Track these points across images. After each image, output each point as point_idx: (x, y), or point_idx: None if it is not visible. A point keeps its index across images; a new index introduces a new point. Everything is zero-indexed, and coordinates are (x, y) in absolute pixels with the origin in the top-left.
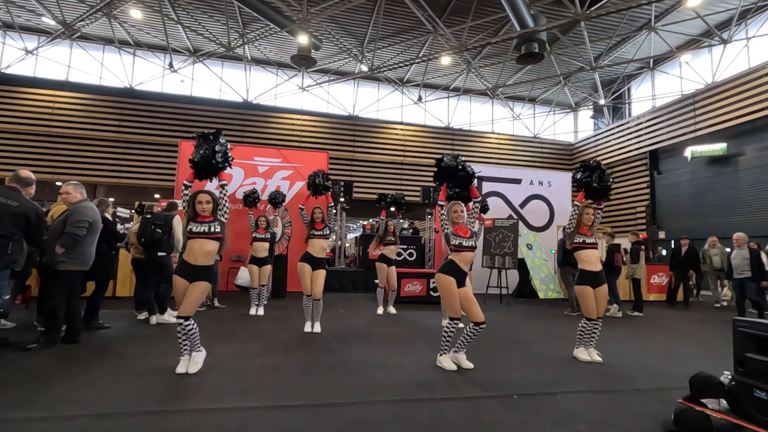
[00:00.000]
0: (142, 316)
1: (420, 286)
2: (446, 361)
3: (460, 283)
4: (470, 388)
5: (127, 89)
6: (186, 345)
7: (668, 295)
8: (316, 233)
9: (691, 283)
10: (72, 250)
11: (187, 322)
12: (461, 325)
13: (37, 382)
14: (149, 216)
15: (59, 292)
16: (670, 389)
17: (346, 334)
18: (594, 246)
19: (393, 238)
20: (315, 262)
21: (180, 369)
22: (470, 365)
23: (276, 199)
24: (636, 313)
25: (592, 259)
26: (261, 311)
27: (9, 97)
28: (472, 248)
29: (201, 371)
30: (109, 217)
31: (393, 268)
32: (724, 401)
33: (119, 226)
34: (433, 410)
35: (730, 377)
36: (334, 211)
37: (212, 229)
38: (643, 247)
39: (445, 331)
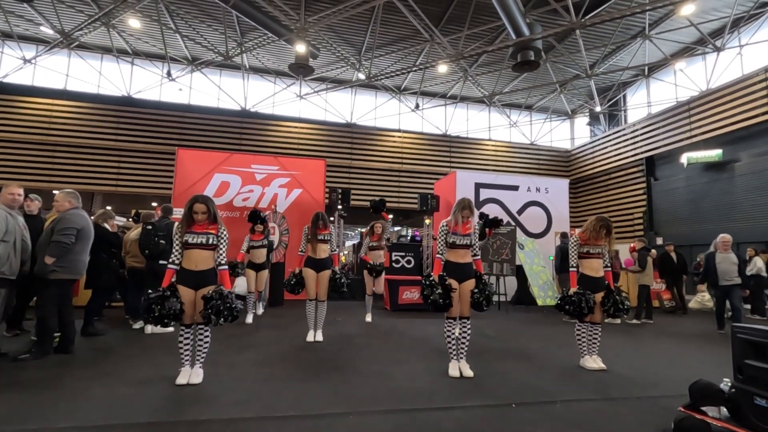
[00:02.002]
0: (138, 325)
1: (418, 293)
2: (451, 367)
3: (461, 278)
4: (468, 396)
5: (125, 98)
6: (187, 355)
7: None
8: (319, 238)
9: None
10: (63, 259)
11: (206, 329)
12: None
13: (28, 393)
14: (150, 227)
15: (50, 302)
16: (670, 397)
17: (342, 342)
18: (598, 256)
19: (376, 243)
20: (319, 264)
21: (180, 380)
22: (470, 374)
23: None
24: (645, 320)
25: (594, 266)
26: (255, 314)
27: (7, 106)
28: (466, 246)
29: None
30: (108, 227)
31: (381, 278)
32: (725, 409)
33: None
34: (431, 420)
35: (729, 384)
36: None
37: (210, 241)
38: (652, 252)
39: (444, 334)
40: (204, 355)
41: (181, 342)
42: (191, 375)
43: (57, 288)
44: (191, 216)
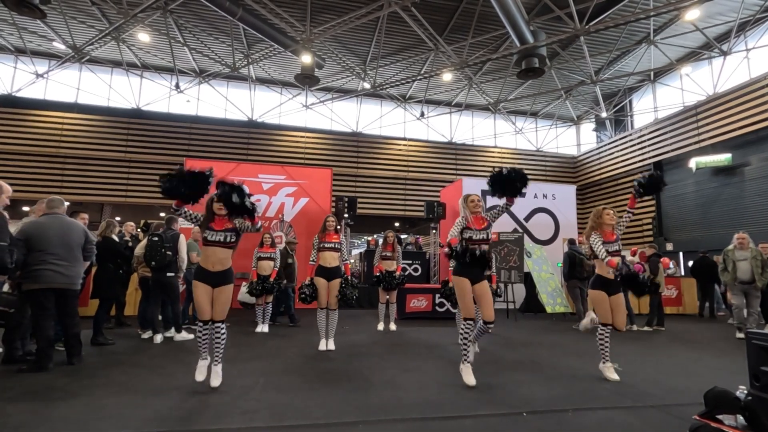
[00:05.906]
0: (146, 335)
1: (425, 301)
2: (466, 373)
3: (476, 279)
4: (478, 405)
5: (135, 110)
6: (205, 347)
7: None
8: (327, 246)
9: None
10: (25, 269)
11: (221, 326)
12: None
13: (38, 403)
14: (157, 239)
15: (34, 312)
16: (685, 405)
17: (351, 351)
18: (616, 253)
19: (390, 253)
20: (330, 273)
21: (199, 377)
22: (473, 382)
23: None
24: (657, 328)
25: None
26: (266, 328)
27: (20, 120)
28: (484, 240)
29: (204, 391)
30: (115, 237)
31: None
32: (741, 417)
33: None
34: (441, 429)
35: (746, 392)
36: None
37: (228, 239)
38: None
39: (460, 334)
40: (221, 352)
41: (199, 336)
42: (211, 376)
43: (29, 299)
44: (212, 211)
